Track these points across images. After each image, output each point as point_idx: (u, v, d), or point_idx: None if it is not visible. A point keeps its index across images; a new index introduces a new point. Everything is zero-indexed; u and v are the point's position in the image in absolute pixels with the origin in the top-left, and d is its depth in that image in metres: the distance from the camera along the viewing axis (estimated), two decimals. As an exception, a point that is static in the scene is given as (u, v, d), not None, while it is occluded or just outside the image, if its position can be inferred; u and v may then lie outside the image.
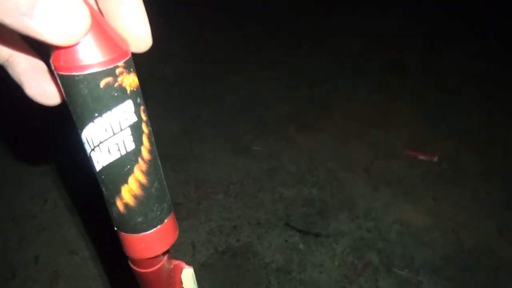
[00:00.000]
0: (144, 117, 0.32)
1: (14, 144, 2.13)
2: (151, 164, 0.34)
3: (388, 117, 2.35)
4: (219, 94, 2.54)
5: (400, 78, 2.70)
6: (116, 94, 0.29)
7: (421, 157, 2.05)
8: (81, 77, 0.27)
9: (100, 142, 0.31)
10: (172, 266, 0.45)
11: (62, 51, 0.27)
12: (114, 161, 0.32)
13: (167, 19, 3.32)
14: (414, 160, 2.05)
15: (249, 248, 1.63)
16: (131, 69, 0.30)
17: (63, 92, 0.29)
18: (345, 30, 3.26)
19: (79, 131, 0.31)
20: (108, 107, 0.29)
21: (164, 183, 0.37)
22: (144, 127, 0.32)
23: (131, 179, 0.33)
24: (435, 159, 2.03)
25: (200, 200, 1.82)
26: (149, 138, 0.33)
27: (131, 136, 0.32)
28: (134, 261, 0.40)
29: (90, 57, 0.27)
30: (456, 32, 3.22)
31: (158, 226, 0.37)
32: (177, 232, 0.41)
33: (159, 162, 0.35)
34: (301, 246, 1.63)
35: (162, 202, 0.36)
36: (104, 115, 0.29)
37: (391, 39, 3.13)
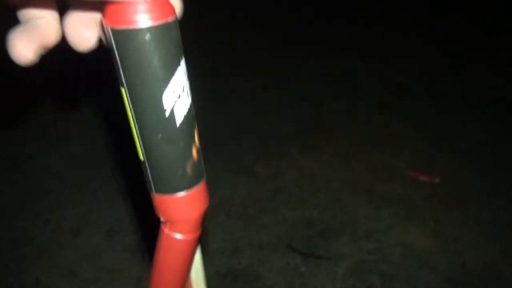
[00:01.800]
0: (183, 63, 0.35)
1: (15, 165, 2.15)
2: (189, 116, 0.37)
3: (390, 138, 2.36)
4: (219, 114, 2.57)
5: (402, 100, 2.72)
6: (180, 46, 0.32)
7: (423, 178, 2.05)
8: (165, 25, 0.30)
9: (179, 96, 0.34)
10: None
11: (132, 5, 0.28)
12: (187, 113, 0.36)
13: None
14: (416, 181, 2.04)
15: (250, 271, 1.61)
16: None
17: (129, 52, 0.30)
18: (347, 51, 3.30)
19: (162, 89, 0.33)
20: (179, 59, 0.32)
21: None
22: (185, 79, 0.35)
23: (195, 132, 0.38)
24: (437, 180, 2.03)
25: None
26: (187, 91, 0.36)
27: (189, 89, 0.35)
28: (187, 225, 0.42)
29: (162, 10, 0.29)
30: (458, 54, 3.25)
31: (203, 180, 0.42)
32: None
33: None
34: (302, 268, 1.62)
35: (184, 172, 0.39)
36: (179, 68, 0.32)
37: (393, 60, 3.17)
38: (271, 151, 2.25)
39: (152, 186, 0.40)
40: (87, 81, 2.81)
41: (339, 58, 3.21)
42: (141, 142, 0.37)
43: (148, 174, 0.39)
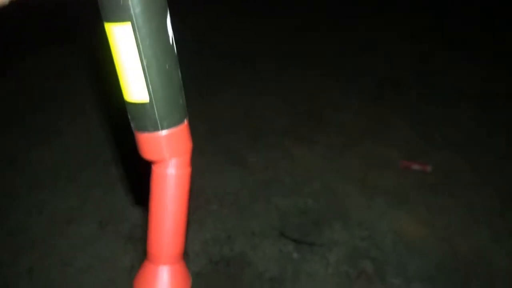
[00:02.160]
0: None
1: (10, 159, 2.15)
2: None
3: (383, 129, 2.37)
4: (216, 107, 2.58)
5: (395, 92, 2.73)
6: None
7: (415, 167, 2.06)
8: None
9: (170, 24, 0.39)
10: None
11: None
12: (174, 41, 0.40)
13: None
14: (408, 171, 2.06)
15: (243, 258, 1.63)
16: None
17: None
18: (342, 45, 3.32)
19: (166, 17, 0.38)
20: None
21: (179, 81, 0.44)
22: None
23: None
24: (429, 169, 2.04)
25: (194, 210, 1.83)
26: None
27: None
28: (187, 156, 0.46)
29: None
30: (451, 48, 3.27)
31: (186, 121, 0.45)
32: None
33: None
34: (295, 255, 1.63)
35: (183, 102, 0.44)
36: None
37: (387, 54, 3.18)
38: (265, 143, 2.27)
39: (159, 123, 0.42)
40: (78, 75, 2.81)
41: (332, 52, 3.22)
42: (148, 79, 0.39)
43: (155, 113, 0.42)
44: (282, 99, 2.67)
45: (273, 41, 3.42)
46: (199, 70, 3.01)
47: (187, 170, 0.47)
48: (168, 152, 0.44)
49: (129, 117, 0.44)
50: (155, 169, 0.46)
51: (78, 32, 3.03)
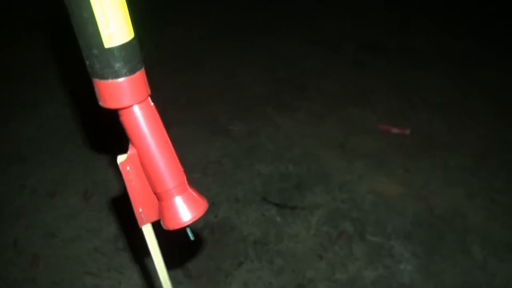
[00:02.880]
0: None
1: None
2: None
3: (363, 94, 2.40)
4: (196, 77, 2.55)
5: (376, 57, 2.74)
6: None
7: (395, 131, 2.10)
8: None
9: None
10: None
11: None
12: None
13: (142, 5, 3.30)
14: (387, 134, 2.10)
15: (227, 223, 1.66)
16: None
17: None
18: (322, 12, 3.28)
19: None
20: None
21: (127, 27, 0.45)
22: None
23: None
24: (408, 132, 2.09)
25: (178, 179, 1.84)
26: None
27: None
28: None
29: None
30: (430, 12, 3.27)
31: (132, 75, 0.47)
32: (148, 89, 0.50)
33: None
34: (277, 219, 1.67)
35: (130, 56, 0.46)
36: None
37: (368, 20, 3.17)
38: (247, 111, 2.27)
39: (126, 70, 0.46)
40: (55, 49, 2.74)
41: (312, 19, 3.19)
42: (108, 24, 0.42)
43: (115, 60, 0.45)
44: (262, 66, 2.65)
45: (252, 9, 3.36)
46: (177, 40, 2.96)
47: (152, 107, 0.52)
48: (131, 98, 0.48)
49: (89, 70, 0.47)
50: (123, 117, 0.50)
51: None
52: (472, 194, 1.77)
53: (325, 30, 3.05)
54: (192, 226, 1.65)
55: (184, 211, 0.57)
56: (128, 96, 0.48)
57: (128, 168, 0.53)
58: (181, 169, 0.57)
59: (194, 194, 0.61)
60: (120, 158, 0.54)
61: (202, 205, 0.61)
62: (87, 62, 0.46)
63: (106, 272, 1.49)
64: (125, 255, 1.54)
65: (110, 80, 0.46)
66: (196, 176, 1.87)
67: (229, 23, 3.16)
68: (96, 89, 0.49)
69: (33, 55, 2.72)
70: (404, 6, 3.35)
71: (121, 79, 0.47)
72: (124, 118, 0.51)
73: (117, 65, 0.46)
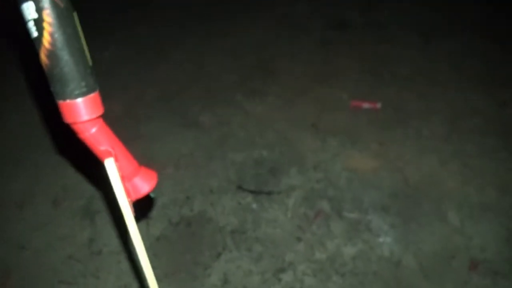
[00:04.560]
0: (47, 17, 0.50)
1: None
2: (52, 52, 0.52)
3: (332, 72, 2.38)
4: (163, 71, 2.49)
5: (342, 34, 2.72)
6: None
7: (366, 106, 2.09)
8: None
9: (27, 21, 0.51)
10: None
11: None
12: (33, 38, 0.52)
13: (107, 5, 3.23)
14: (359, 110, 2.08)
15: (203, 215, 1.63)
16: None
17: None
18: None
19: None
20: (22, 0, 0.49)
21: (73, 69, 0.55)
22: (46, 25, 0.50)
23: (41, 57, 0.53)
24: (379, 105, 2.08)
25: (150, 177, 1.80)
26: (51, 35, 0.51)
27: (34, 26, 0.51)
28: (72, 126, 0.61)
29: None
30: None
31: (76, 99, 0.57)
32: (98, 111, 0.61)
33: (65, 54, 0.53)
34: (254, 206, 1.65)
35: (73, 83, 0.56)
36: (23, 4, 0.50)
37: (335, 1, 3.14)
38: (217, 100, 2.22)
39: (75, 93, 0.57)
40: (19, 59, 2.64)
41: (281, 5, 3.14)
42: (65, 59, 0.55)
43: (70, 85, 0.57)
44: (230, 54, 2.61)
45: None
46: (142, 37, 2.88)
47: (100, 123, 0.63)
48: (85, 115, 0.59)
49: (51, 89, 0.57)
50: (81, 131, 0.62)
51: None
52: (445, 161, 1.77)
53: (290, 11, 3.01)
54: (168, 220, 1.61)
55: (143, 185, 0.75)
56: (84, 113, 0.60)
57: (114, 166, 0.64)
58: (131, 158, 0.73)
59: (147, 171, 0.78)
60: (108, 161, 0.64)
61: (154, 177, 0.78)
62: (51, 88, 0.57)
63: (82, 278, 1.45)
64: (101, 259, 1.50)
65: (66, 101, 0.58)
66: (169, 171, 1.83)
67: (192, 14, 3.09)
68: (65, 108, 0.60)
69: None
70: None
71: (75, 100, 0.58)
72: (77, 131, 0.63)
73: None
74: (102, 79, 2.41)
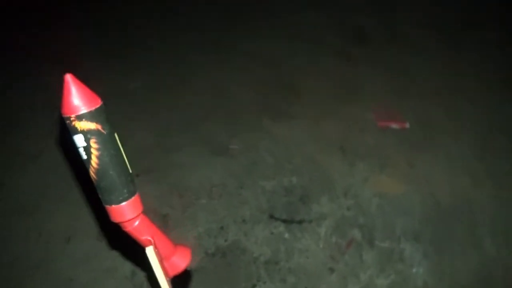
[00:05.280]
0: (94, 144, 0.62)
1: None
2: (99, 170, 0.64)
3: (356, 89, 2.38)
4: (188, 98, 2.56)
5: (363, 47, 2.71)
6: (72, 129, 0.61)
7: (393, 126, 2.09)
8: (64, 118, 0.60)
9: (78, 148, 0.62)
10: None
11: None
12: (83, 160, 0.63)
13: (129, 37, 3.34)
14: (387, 130, 2.09)
15: (237, 245, 1.68)
16: (83, 119, 0.60)
17: None
18: (301, 4, 3.24)
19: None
20: (73, 133, 0.61)
21: (117, 181, 0.66)
22: (94, 150, 0.62)
23: (90, 173, 0.65)
24: (407, 125, 2.07)
25: (185, 208, 1.87)
26: (98, 157, 0.63)
27: (83, 152, 0.63)
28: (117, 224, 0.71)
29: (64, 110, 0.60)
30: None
31: (120, 204, 0.68)
32: (139, 209, 0.71)
33: (110, 170, 0.65)
34: (286, 235, 1.69)
35: (117, 192, 0.67)
36: (74, 136, 0.62)
37: (351, 8, 3.12)
38: (242, 125, 2.27)
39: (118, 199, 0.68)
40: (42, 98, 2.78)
41: (292, 13, 3.14)
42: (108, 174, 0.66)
43: (113, 193, 0.67)
44: (250, 74, 2.64)
45: (228, 13, 3.34)
46: (164, 65, 2.97)
47: (142, 218, 0.72)
48: (128, 215, 0.69)
49: (99, 197, 0.69)
50: (126, 226, 0.72)
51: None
52: (478, 182, 1.75)
53: (307, 24, 3.01)
54: (204, 251, 1.67)
55: (180, 262, 0.83)
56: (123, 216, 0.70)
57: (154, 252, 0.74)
58: (169, 242, 0.81)
59: (181, 250, 0.83)
60: (149, 249, 0.74)
61: (188, 254, 0.83)
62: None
63: (127, 312, 1.53)
64: (143, 292, 1.58)
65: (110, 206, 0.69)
66: (203, 201, 1.89)
67: (207, 35, 3.14)
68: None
69: (26, 101, 2.77)
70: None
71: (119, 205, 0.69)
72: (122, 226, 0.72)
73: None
74: (132, 109, 2.52)
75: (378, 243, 1.59)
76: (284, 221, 1.74)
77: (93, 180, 0.66)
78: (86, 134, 0.61)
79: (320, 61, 2.66)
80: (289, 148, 2.09)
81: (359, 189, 1.82)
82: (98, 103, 0.62)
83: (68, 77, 0.60)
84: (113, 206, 0.68)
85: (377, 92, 2.33)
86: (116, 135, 0.66)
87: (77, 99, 0.60)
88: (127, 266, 1.68)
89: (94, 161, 0.63)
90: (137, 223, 0.72)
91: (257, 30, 3.03)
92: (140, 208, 0.72)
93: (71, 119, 0.60)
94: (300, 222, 1.72)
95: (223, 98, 2.51)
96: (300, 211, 1.77)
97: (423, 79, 2.35)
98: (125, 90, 2.71)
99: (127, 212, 0.69)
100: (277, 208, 1.80)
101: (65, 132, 0.63)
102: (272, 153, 2.08)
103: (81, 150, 0.63)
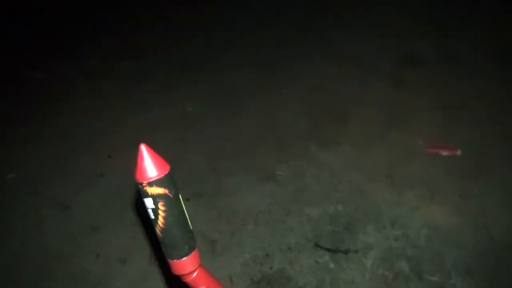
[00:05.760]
0: (161, 207, 0.71)
1: (63, 206, 2.36)
2: (164, 229, 0.73)
3: (406, 115, 2.35)
4: (240, 123, 2.66)
5: (415, 71, 2.68)
6: (143, 192, 0.70)
7: (444, 153, 2.04)
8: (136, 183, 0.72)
9: (147, 208, 0.72)
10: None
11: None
12: (151, 219, 0.72)
13: (184, 63, 3.53)
14: (437, 157, 2.04)
15: (282, 274, 1.71)
16: (153, 185, 0.69)
17: None
18: (350, 31, 3.27)
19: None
20: (144, 196, 0.71)
21: (179, 239, 0.74)
22: (161, 211, 0.71)
23: (156, 231, 0.74)
24: (459, 152, 2.01)
25: (233, 233, 1.93)
26: (164, 218, 0.72)
27: (152, 212, 0.72)
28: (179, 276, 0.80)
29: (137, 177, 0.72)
30: (467, 14, 3.12)
31: (181, 259, 0.76)
32: (197, 263, 0.79)
33: (174, 229, 0.73)
34: (331, 265, 1.69)
35: (179, 248, 0.75)
36: (144, 199, 0.71)
37: (400, 31, 3.10)
38: (290, 152, 2.32)
39: (180, 255, 0.76)
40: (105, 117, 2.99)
41: (346, 40, 3.18)
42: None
43: (175, 249, 0.76)
44: (300, 101, 2.70)
45: (278, 41, 3.43)
46: (219, 91, 3.10)
47: (199, 271, 0.80)
48: (187, 269, 0.78)
49: (163, 251, 0.78)
50: (186, 278, 0.81)
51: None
52: (537, 216, 1.66)
53: (357, 49, 3.03)
54: (250, 278, 1.71)
55: None
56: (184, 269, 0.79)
57: None
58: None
59: None
60: None
61: None
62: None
63: (176, 334, 1.60)
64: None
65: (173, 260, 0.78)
66: (250, 227, 1.95)
67: (259, 60, 3.25)
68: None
69: (91, 124, 3.01)
70: (436, 10, 3.23)
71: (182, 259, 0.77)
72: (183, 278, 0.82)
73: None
74: (188, 134, 2.66)
75: (426, 277, 1.54)
76: (329, 250, 1.74)
77: (158, 236, 0.74)
78: (155, 198, 0.69)
79: (371, 86, 2.66)
80: (336, 175, 2.10)
81: (407, 219, 1.78)
82: (166, 170, 0.70)
83: (143, 147, 0.69)
84: (175, 260, 0.76)
85: (428, 118, 2.28)
86: (180, 196, 0.74)
87: (150, 167, 0.69)
88: (177, 289, 1.76)
89: (160, 221, 0.71)
90: (195, 275, 0.80)
91: (310, 56, 3.09)
92: (198, 262, 0.79)
93: (143, 184, 0.68)
94: (345, 252, 1.72)
95: (273, 124, 2.58)
96: (346, 240, 1.77)
97: (478, 104, 2.28)
98: (181, 113, 2.87)
99: (187, 266, 0.77)
100: (322, 236, 1.81)
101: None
102: (318, 180, 2.10)
103: (150, 211, 0.71)
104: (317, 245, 1.78)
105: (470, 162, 1.96)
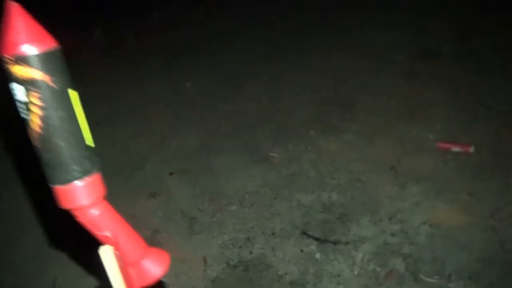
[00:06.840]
0: (36, 101, 0.46)
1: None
2: (42, 136, 0.48)
3: (419, 107, 2.16)
4: (239, 104, 2.50)
5: (432, 65, 2.48)
6: (9, 73, 0.45)
7: (455, 149, 1.85)
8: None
9: (16, 101, 0.47)
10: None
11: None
12: (23, 120, 0.48)
13: (188, 39, 3.40)
14: (447, 153, 1.85)
15: (262, 260, 1.54)
16: (24, 62, 0.44)
17: None
18: (368, 22, 3.09)
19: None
20: (10, 80, 0.46)
21: (65, 155, 0.50)
22: (35, 108, 0.46)
23: (32, 140, 0.48)
24: (471, 149, 1.82)
25: (214, 212, 1.77)
26: (41, 119, 0.47)
27: (23, 108, 0.47)
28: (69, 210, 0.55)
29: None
30: (485, 10, 2.91)
31: (67, 184, 0.51)
32: (97, 195, 0.54)
33: (57, 139, 0.48)
34: (317, 255, 1.51)
35: (65, 168, 0.50)
36: (11, 85, 0.46)
37: (420, 24, 2.91)
38: (289, 135, 2.15)
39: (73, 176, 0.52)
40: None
41: (359, 31, 3.00)
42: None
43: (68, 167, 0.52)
44: (307, 87, 2.53)
45: (294, 27, 3.27)
46: (221, 69, 2.95)
47: (101, 207, 0.56)
48: (78, 202, 0.53)
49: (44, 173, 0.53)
50: (78, 216, 0.55)
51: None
52: (556, 223, 1.46)
53: (373, 41, 2.85)
54: (226, 262, 1.53)
55: (153, 269, 0.65)
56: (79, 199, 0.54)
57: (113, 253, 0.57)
58: (140, 242, 0.64)
59: (155, 254, 0.67)
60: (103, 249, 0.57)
61: (166, 259, 0.67)
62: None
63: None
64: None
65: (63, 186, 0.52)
66: (233, 208, 1.78)
67: (272, 45, 3.09)
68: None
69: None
70: (457, 5, 3.03)
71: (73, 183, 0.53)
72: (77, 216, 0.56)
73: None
74: (183, 110, 2.50)
75: (423, 278, 1.36)
76: (317, 239, 1.57)
77: (36, 149, 0.49)
78: (27, 84, 0.45)
79: (383, 77, 2.47)
80: (335, 163, 1.92)
81: (407, 215, 1.60)
82: (50, 45, 0.46)
83: (13, 6, 0.43)
84: (58, 186, 0.52)
85: (441, 112, 2.09)
86: (76, 94, 0.50)
87: (20, 34, 0.43)
88: None
89: (36, 124, 0.47)
90: (92, 212, 0.55)
91: (322, 44, 2.92)
92: (98, 194, 0.55)
93: (7, 60, 0.44)
94: (335, 242, 1.54)
95: (275, 108, 2.41)
96: (337, 230, 1.59)
97: (495, 100, 2.08)
98: (180, 89, 2.71)
99: (78, 197, 0.52)
100: (311, 224, 1.64)
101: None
102: (315, 166, 1.92)
103: (20, 106, 0.46)
104: (304, 233, 1.60)
105: (483, 160, 1.77)
